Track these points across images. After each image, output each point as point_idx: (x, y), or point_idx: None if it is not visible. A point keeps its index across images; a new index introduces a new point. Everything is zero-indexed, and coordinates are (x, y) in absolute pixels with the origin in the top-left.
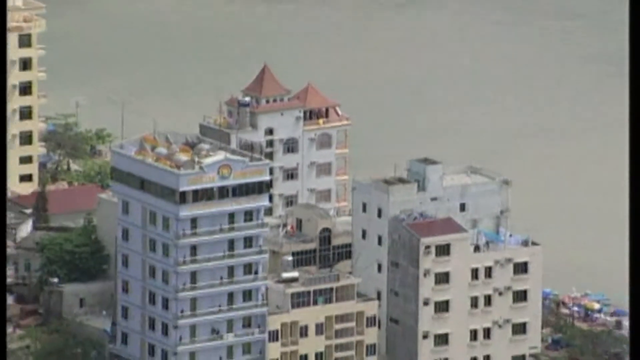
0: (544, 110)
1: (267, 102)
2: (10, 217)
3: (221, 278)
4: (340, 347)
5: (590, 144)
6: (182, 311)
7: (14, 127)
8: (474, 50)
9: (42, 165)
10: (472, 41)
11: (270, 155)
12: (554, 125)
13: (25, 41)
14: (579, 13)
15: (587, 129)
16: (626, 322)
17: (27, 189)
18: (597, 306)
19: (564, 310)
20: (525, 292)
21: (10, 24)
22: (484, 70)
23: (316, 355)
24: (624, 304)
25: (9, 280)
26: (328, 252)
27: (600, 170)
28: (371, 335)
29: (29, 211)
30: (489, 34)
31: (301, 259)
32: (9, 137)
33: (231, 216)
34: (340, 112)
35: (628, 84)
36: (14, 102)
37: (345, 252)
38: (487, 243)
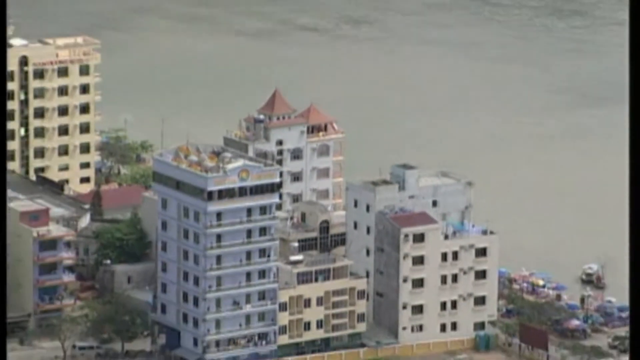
0: (508, 123)
1: (278, 119)
2: (72, 211)
3: (241, 260)
4: (336, 316)
5: (544, 152)
6: (209, 287)
7: (76, 139)
8: (445, 74)
9: (98, 170)
10: (443, 66)
11: (280, 162)
12: (515, 136)
13: (84, 70)
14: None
15: (542, 140)
16: (565, 295)
17: (86, 188)
18: (541, 282)
19: (515, 286)
20: (484, 271)
21: (72, 57)
22: (456, 91)
23: (317, 322)
24: (563, 280)
25: (71, 262)
26: (326, 239)
27: (549, 175)
28: (361, 306)
29: (87, 206)
30: (461, 61)
31: (305, 245)
32: (71, 148)
33: (249, 211)
34: (336, 127)
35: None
36: (75, 119)
37: (341, 239)
38: (454, 232)
